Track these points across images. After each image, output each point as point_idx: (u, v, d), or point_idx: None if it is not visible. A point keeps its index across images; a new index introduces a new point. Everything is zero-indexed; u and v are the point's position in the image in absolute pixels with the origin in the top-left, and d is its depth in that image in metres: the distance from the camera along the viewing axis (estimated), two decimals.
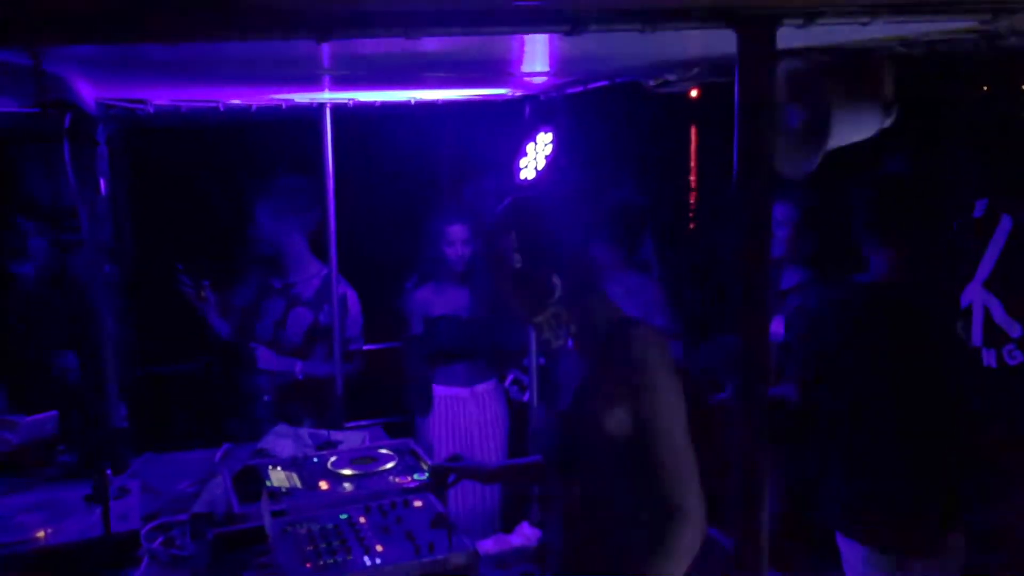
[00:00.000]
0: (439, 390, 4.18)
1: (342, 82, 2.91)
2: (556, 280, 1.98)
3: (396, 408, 4.53)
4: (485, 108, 3.80)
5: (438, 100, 3.65)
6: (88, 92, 3.08)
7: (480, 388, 4.22)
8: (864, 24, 1.32)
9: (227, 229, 3.77)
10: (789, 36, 1.92)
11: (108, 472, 2.91)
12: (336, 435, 3.33)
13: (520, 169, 3.74)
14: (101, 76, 2.59)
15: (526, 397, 4.20)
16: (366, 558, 2.22)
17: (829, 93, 1.93)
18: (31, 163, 4.15)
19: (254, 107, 3.49)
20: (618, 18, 1.29)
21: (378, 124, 3.91)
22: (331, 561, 2.21)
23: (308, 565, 2.20)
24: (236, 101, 3.41)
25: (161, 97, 3.22)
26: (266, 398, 3.78)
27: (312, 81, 2.83)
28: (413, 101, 3.62)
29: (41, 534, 2.57)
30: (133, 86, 2.88)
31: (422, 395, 4.13)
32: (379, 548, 2.26)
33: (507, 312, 2.05)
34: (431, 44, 2.08)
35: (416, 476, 2.74)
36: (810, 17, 1.28)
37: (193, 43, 1.93)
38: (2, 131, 3.72)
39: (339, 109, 3.67)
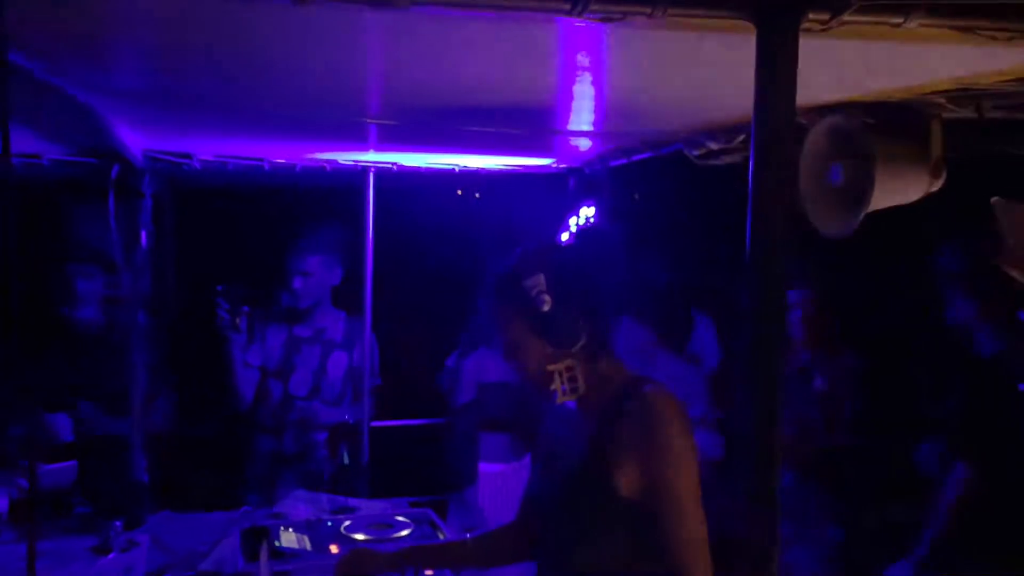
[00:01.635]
0: (483, 467, 4.05)
1: (386, 139, 2.89)
2: (583, 326, 1.88)
3: (425, 487, 4.40)
4: (529, 181, 3.77)
5: (481, 169, 3.64)
6: (135, 142, 3.12)
7: (525, 464, 4.08)
8: (896, 25, 1.22)
9: (265, 284, 3.73)
10: (829, 87, 1.87)
11: (118, 524, 2.82)
12: (355, 502, 3.22)
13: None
14: (146, 116, 2.59)
15: None
16: None
17: (872, 151, 1.84)
18: (80, 208, 4.20)
19: (299, 167, 3.50)
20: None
21: (421, 193, 3.89)
22: None
23: None
24: (281, 160, 3.43)
25: (207, 151, 3.25)
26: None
27: (357, 136, 2.83)
28: (457, 169, 3.61)
29: None
30: (177, 129, 2.90)
31: (467, 467, 4.00)
32: None
33: (518, 362, 1.94)
34: (473, 89, 2.07)
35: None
36: (837, 10, 1.18)
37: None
38: (51, 180, 3.77)
39: (382, 175, 3.66)
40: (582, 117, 2.46)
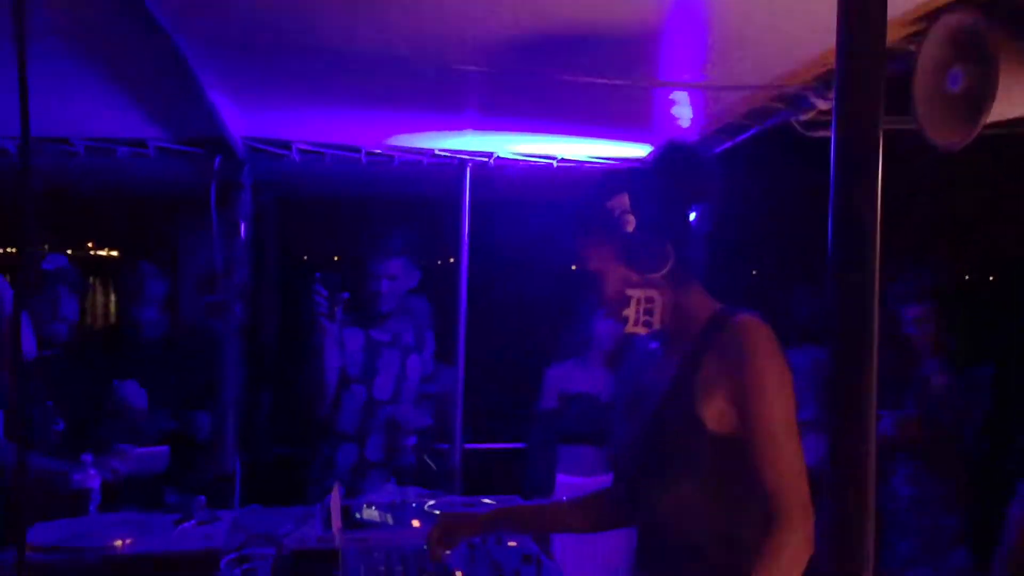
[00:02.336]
0: (561, 478, 3.88)
1: (483, 107, 2.84)
2: (668, 251, 1.75)
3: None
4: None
5: (582, 163, 3.55)
6: (235, 124, 3.15)
7: (608, 479, 3.89)
8: None
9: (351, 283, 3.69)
10: None
11: (202, 499, 2.78)
12: (443, 495, 3.10)
13: None
14: (246, 81, 2.60)
15: None
16: None
17: (994, 51, 1.67)
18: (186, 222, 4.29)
19: (396, 160, 3.49)
20: None
21: (517, 194, 3.81)
22: None
23: None
24: (378, 151, 3.42)
25: (303, 133, 3.26)
26: None
27: (453, 103, 2.79)
28: (555, 163, 3.53)
29: (119, 543, 2.45)
30: (277, 104, 2.90)
31: (545, 477, 3.84)
32: (459, 574, 2.00)
33: (599, 290, 1.81)
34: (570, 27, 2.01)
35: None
36: None
37: None
38: (158, 180, 3.85)
39: (478, 173, 3.61)
40: (681, 58, 2.35)
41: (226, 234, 3.47)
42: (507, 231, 3.97)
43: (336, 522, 1.91)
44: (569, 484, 3.84)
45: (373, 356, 3.64)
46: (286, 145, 3.35)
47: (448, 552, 1.98)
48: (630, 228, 1.75)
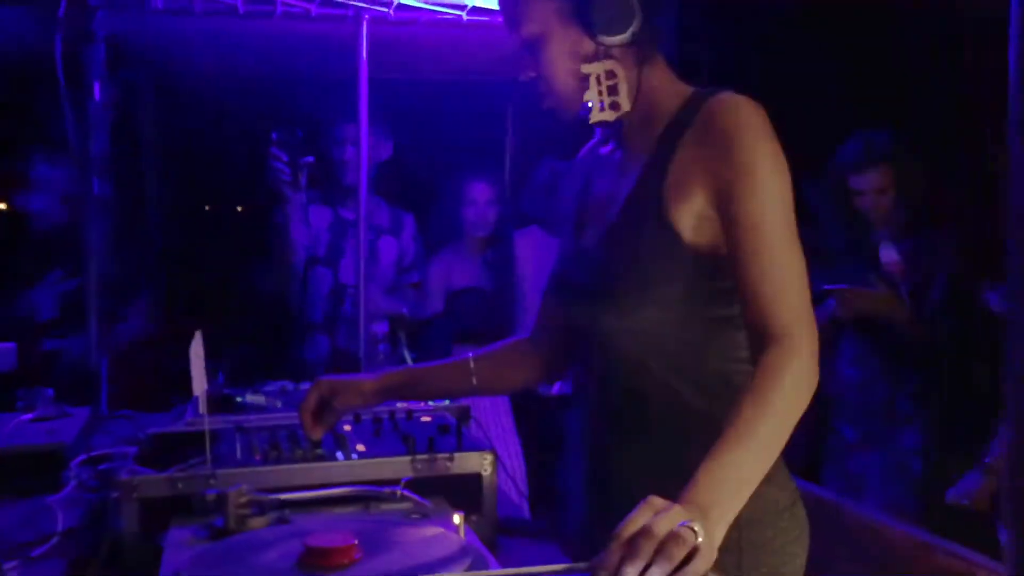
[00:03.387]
0: None
1: None
2: (634, 8, 1.36)
3: None
4: None
5: (492, 19, 3.12)
6: None
7: None
8: None
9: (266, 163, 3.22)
10: None
11: (49, 392, 2.32)
12: None
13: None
14: None
15: (555, 389, 3.53)
16: (339, 454, 1.56)
17: None
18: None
19: (278, 11, 3.00)
20: None
21: (422, 52, 3.36)
22: (292, 455, 1.56)
23: (257, 457, 1.55)
24: None
25: None
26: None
27: None
28: (465, 15, 3.09)
29: None
30: None
31: None
32: (360, 448, 1.61)
33: (541, 64, 1.41)
34: None
35: (432, 402, 2.08)
36: None
37: None
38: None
39: (378, 26, 3.14)
40: None
41: (77, 99, 2.94)
42: (408, 106, 3.52)
43: (200, 385, 1.49)
44: None
45: (339, 236, 3.23)
46: None
47: (324, 431, 1.60)
48: None
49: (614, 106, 1.40)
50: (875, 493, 3.05)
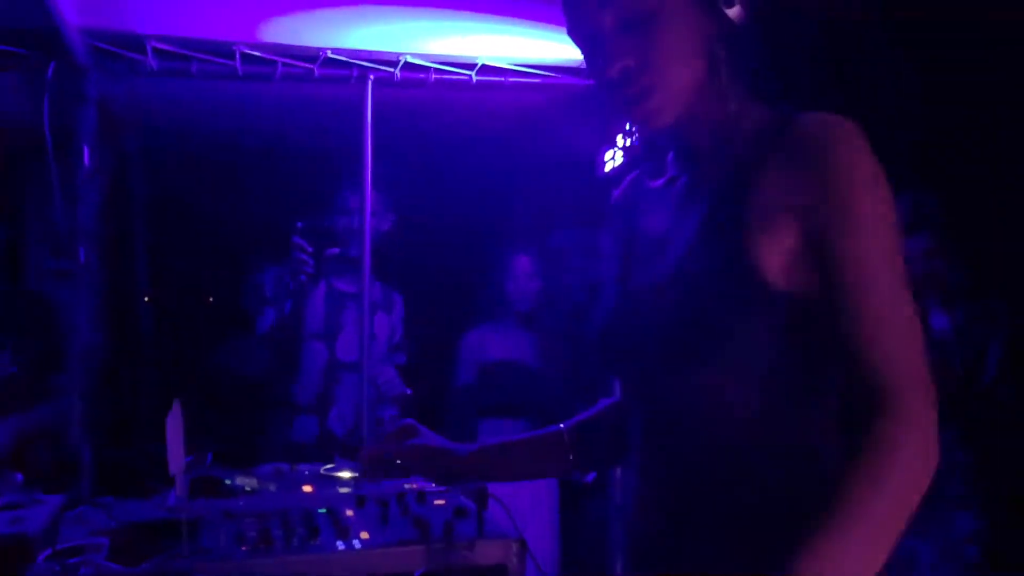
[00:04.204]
0: None
1: None
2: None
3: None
4: (559, 98, 3.11)
5: (506, 78, 2.97)
6: (71, 11, 2.49)
7: None
8: None
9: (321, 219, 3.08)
10: None
11: (18, 476, 2.09)
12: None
13: (604, 163, 3.03)
14: None
15: (590, 476, 3.30)
16: (339, 543, 1.33)
17: None
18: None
19: (279, 72, 2.85)
20: None
21: (430, 116, 3.22)
22: (285, 545, 1.33)
23: (244, 548, 1.33)
24: (257, 53, 2.78)
25: (162, 25, 2.61)
26: None
27: None
28: (475, 75, 2.94)
29: None
30: None
31: None
32: (364, 535, 1.38)
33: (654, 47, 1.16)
34: None
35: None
36: None
37: None
38: None
39: (383, 86, 3.00)
40: None
41: (66, 164, 2.78)
42: (415, 173, 3.36)
43: (177, 463, 1.27)
44: None
45: (337, 310, 3.04)
46: (139, 45, 2.69)
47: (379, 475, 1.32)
48: None
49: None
50: None
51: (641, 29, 1.13)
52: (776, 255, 1.08)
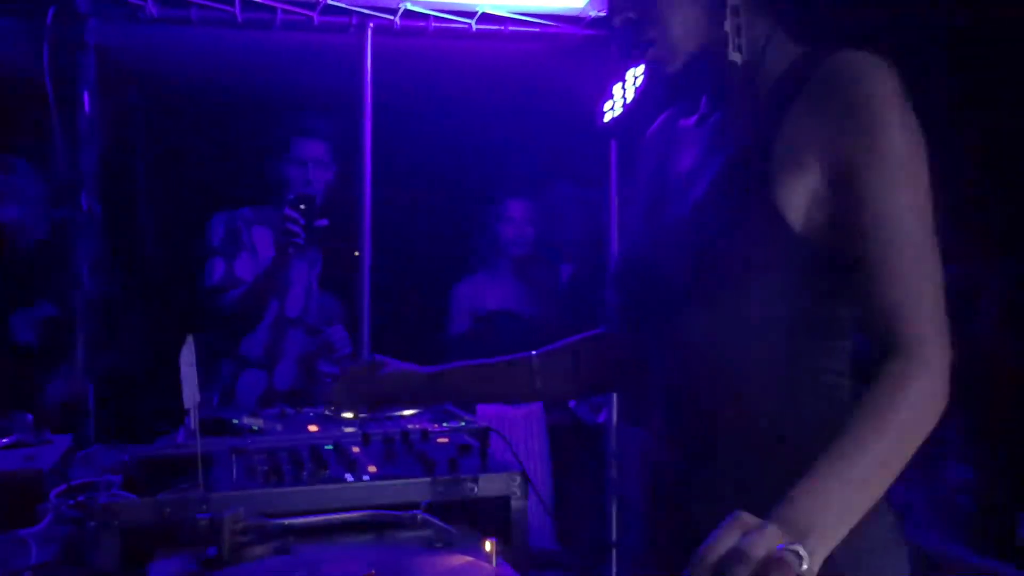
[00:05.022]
0: (480, 409, 3.34)
1: None
2: None
3: None
4: (558, 47, 3.11)
5: (505, 28, 2.97)
6: None
7: (531, 409, 3.39)
8: None
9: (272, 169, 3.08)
10: None
11: (28, 416, 2.13)
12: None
13: (603, 113, 3.03)
14: None
15: (600, 418, 3.35)
16: (349, 475, 1.38)
17: None
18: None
19: (279, 19, 2.85)
20: None
21: (429, 64, 3.22)
22: (296, 478, 1.38)
23: (256, 481, 1.37)
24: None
25: None
26: None
27: None
28: (474, 24, 2.95)
29: None
30: None
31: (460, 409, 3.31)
32: (372, 468, 1.42)
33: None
34: None
35: (448, 424, 1.89)
36: None
37: None
38: None
39: (382, 34, 2.99)
40: None
41: (66, 112, 2.79)
42: (412, 123, 3.37)
43: (191, 397, 1.31)
44: (488, 415, 3.30)
45: (284, 264, 3.05)
46: None
47: (361, 415, 1.39)
48: None
49: (740, 49, 1.18)
50: (920, 529, 2.85)
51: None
52: (799, 195, 1.10)
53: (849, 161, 1.08)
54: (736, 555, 0.79)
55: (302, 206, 2.91)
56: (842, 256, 1.10)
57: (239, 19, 2.82)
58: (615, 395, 3.19)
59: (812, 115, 1.11)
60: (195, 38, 2.97)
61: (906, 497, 2.92)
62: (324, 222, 2.97)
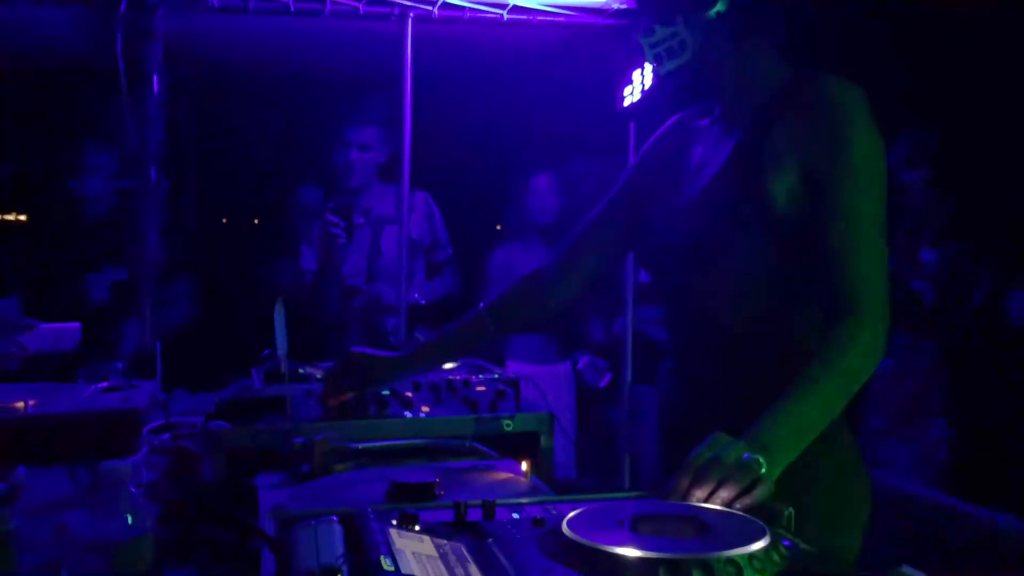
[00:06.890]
0: (511, 365, 3.65)
1: None
2: None
3: None
4: (583, 35, 3.37)
5: (533, 18, 3.24)
6: None
7: (557, 369, 3.70)
8: None
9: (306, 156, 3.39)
10: None
11: (119, 364, 2.44)
12: None
13: (623, 97, 3.29)
14: None
15: (603, 382, 3.66)
16: (408, 413, 1.68)
17: None
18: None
19: (328, 9, 3.12)
20: None
21: (464, 50, 3.48)
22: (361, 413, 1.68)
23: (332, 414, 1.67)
24: None
25: None
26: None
27: None
28: (506, 14, 3.21)
29: (21, 404, 2.10)
30: None
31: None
32: (425, 409, 1.72)
33: None
34: None
35: (483, 375, 2.19)
36: None
37: None
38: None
39: (421, 25, 3.27)
40: None
41: (135, 93, 3.07)
42: (450, 107, 3.65)
43: (283, 346, 1.61)
44: (519, 373, 3.60)
45: (333, 255, 3.37)
46: None
47: (340, 400, 1.70)
48: None
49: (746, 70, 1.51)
50: (905, 478, 3.14)
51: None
52: (782, 188, 1.41)
53: (820, 164, 1.38)
54: (714, 460, 1.09)
55: (342, 212, 3.26)
56: (812, 238, 1.39)
57: (292, 8, 3.10)
58: (628, 358, 3.50)
59: (795, 125, 1.41)
60: (250, 25, 3.23)
61: (894, 451, 3.21)
62: (361, 220, 3.27)
